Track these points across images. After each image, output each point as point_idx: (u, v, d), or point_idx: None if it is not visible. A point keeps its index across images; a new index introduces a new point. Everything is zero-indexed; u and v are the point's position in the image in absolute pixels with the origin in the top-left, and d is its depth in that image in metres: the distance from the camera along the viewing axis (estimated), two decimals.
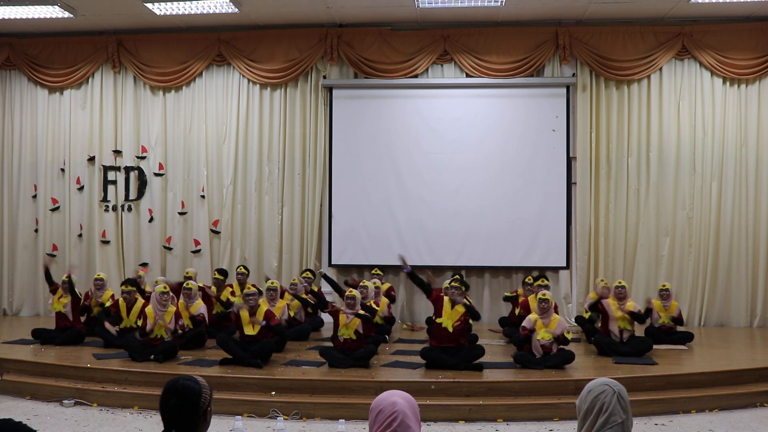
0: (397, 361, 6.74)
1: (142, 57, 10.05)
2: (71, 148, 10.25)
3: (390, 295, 8.75)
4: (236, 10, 8.91)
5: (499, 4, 8.70)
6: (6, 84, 10.48)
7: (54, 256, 10.25)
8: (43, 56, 10.25)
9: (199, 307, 7.50)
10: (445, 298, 6.62)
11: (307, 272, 8.84)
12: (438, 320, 6.54)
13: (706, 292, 9.36)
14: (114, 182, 10.20)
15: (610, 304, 7.31)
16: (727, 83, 9.41)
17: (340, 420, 4.78)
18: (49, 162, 10.31)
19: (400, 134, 9.73)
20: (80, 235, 10.22)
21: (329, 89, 9.85)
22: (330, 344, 6.85)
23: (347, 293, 6.82)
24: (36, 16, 9.26)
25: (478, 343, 7.13)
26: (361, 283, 7.59)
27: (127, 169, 10.19)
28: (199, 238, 10.04)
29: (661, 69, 9.44)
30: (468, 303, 6.65)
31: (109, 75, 10.20)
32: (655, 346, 7.24)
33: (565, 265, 9.54)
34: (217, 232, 10.01)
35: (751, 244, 9.32)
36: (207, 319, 7.61)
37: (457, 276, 8.39)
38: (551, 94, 9.58)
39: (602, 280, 8.58)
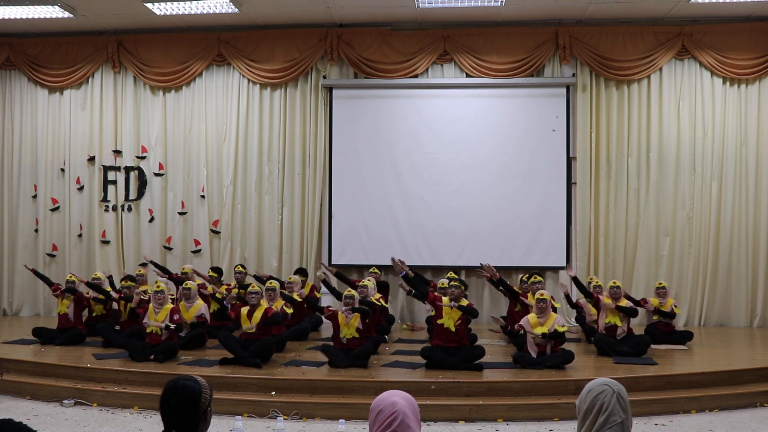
0: (397, 361, 6.74)
1: (142, 57, 10.06)
2: (71, 148, 10.26)
3: (382, 283, 8.78)
4: (236, 10, 8.91)
5: (499, 4, 8.70)
6: (6, 84, 10.49)
7: (54, 256, 10.26)
8: (43, 56, 10.25)
9: (200, 307, 7.51)
10: (444, 298, 6.62)
11: (299, 274, 8.86)
12: (439, 321, 6.53)
13: (706, 292, 9.36)
14: (114, 182, 10.20)
15: (606, 302, 7.30)
16: (727, 83, 9.41)
17: (340, 420, 4.78)
18: (49, 162, 10.31)
19: (400, 134, 9.73)
20: (80, 235, 10.23)
21: (329, 89, 9.85)
22: (330, 343, 6.86)
23: (345, 293, 6.85)
24: (36, 16, 9.26)
25: (477, 343, 7.13)
26: (360, 283, 7.59)
27: (127, 169, 10.20)
28: (199, 238, 10.04)
29: (661, 69, 9.44)
30: (463, 305, 6.60)
31: (109, 75, 10.21)
32: (654, 346, 7.26)
33: (565, 265, 9.52)
34: (217, 232, 10.02)
35: (751, 244, 9.32)
36: (208, 318, 7.61)
37: (454, 275, 8.37)
38: (551, 94, 9.58)
39: (592, 278, 8.60)
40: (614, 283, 7.43)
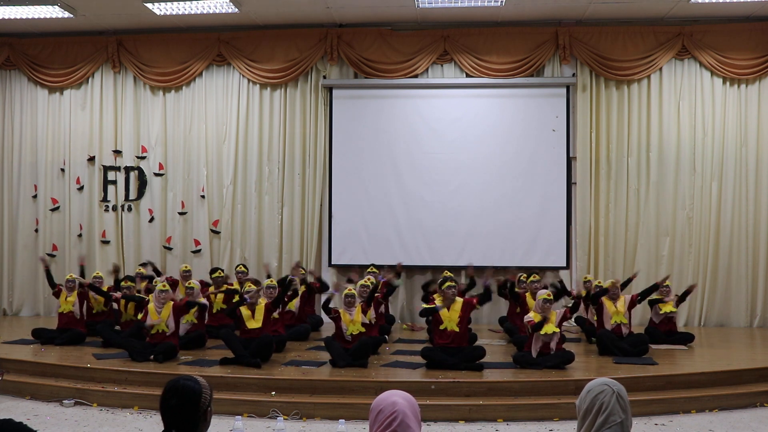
0: (397, 361, 6.74)
1: (142, 57, 10.06)
2: (71, 148, 10.26)
3: (381, 292, 8.77)
4: (236, 10, 8.91)
5: (499, 4, 8.70)
6: (6, 84, 10.49)
7: (54, 256, 10.26)
8: (43, 56, 10.25)
9: (202, 301, 7.55)
10: (440, 302, 6.62)
11: (302, 270, 8.87)
12: (441, 327, 6.52)
13: (706, 292, 9.36)
14: (114, 182, 10.21)
15: (606, 303, 7.31)
16: (727, 83, 9.41)
17: (340, 420, 4.78)
18: (49, 162, 10.31)
19: (400, 134, 9.73)
20: (80, 235, 10.23)
21: (329, 89, 9.85)
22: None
23: (346, 292, 6.86)
24: (36, 16, 9.26)
25: (477, 343, 7.13)
26: (360, 282, 7.59)
27: (127, 169, 10.20)
28: (199, 238, 10.04)
29: (661, 69, 9.44)
30: (478, 304, 6.66)
31: (109, 75, 10.21)
32: (655, 346, 7.26)
33: (565, 264, 9.54)
34: (217, 232, 10.02)
35: (751, 244, 9.32)
36: (209, 303, 7.66)
37: (449, 274, 8.38)
38: (551, 94, 9.58)
39: (586, 277, 8.61)
40: (613, 284, 7.43)
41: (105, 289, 8.25)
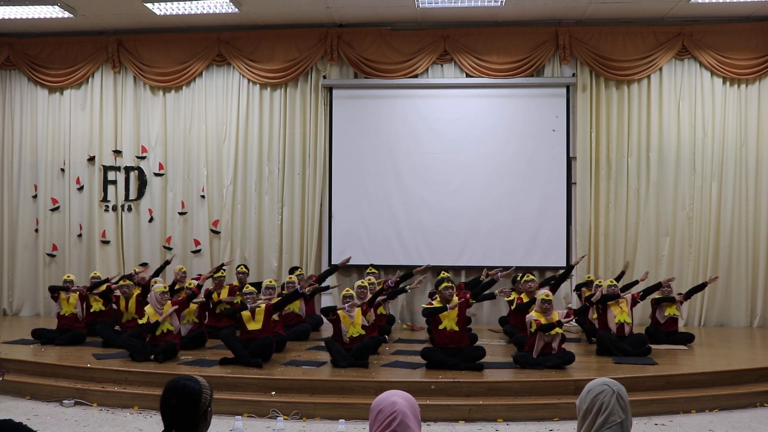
0: (397, 361, 6.74)
1: (142, 57, 10.06)
2: (71, 148, 10.26)
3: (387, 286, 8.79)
4: (236, 10, 8.91)
5: (499, 4, 8.70)
6: (6, 84, 10.49)
7: (54, 256, 10.26)
8: (43, 56, 10.25)
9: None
10: (436, 304, 6.61)
11: (299, 270, 8.87)
12: (440, 327, 6.52)
13: (706, 292, 9.33)
14: (114, 182, 10.21)
15: (609, 303, 7.32)
16: (727, 83, 9.41)
17: (340, 420, 4.78)
18: (49, 162, 10.31)
19: (400, 134, 9.73)
20: (80, 235, 10.23)
21: (329, 89, 9.85)
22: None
23: (344, 293, 6.86)
24: (36, 16, 9.26)
25: (478, 343, 7.12)
26: (358, 284, 7.58)
27: (127, 169, 10.20)
28: (199, 238, 10.04)
29: (661, 69, 9.44)
30: (471, 299, 6.67)
31: (109, 75, 10.21)
32: (655, 347, 7.25)
33: (565, 265, 9.52)
34: (217, 232, 10.02)
35: (751, 244, 9.32)
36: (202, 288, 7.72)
37: (447, 274, 8.37)
38: (551, 94, 9.58)
39: (589, 277, 8.62)
40: (611, 282, 7.45)
41: (103, 288, 8.24)
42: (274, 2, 8.84)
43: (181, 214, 10.09)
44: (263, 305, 6.86)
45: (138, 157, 10.18)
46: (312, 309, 8.91)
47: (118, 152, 10.21)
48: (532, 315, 6.58)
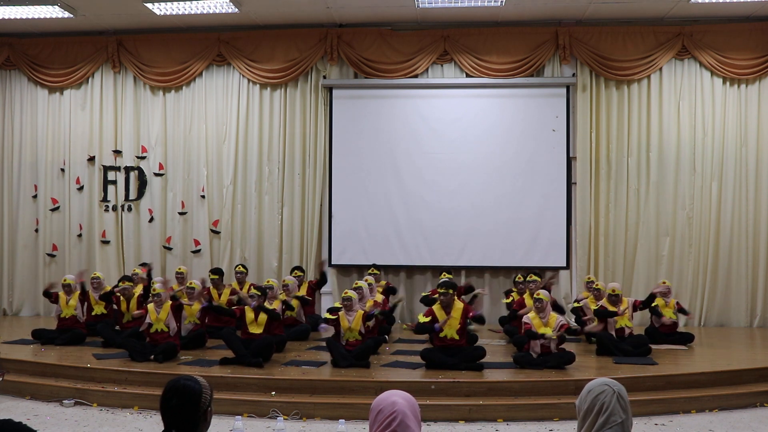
0: (397, 361, 6.74)
1: (142, 57, 10.06)
2: (71, 148, 10.26)
3: (389, 288, 8.77)
4: (236, 10, 8.91)
5: (499, 4, 8.70)
6: (6, 84, 10.49)
7: (54, 256, 10.26)
8: (43, 56, 10.25)
9: (202, 303, 7.56)
10: (437, 308, 6.55)
11: (297, 270, 8.87)
12: (441, 335, 6.49)
13: (706, 292, 9.36)
14: (114, 182, 10.21)
15: (606, 305, 7.30)
16: (727, 83, 9.41)
17: (340, 420, 4.78)
18: (49, 162, 10.31)
19: (400, 134, 9.73)
20: (80, 235, 10.23)
21: (329, 89, 9.85)
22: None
23: (343, 295, 6.84)
24: (36, 16, 9.26)
25: (478, 343, 7.12)
26: (355, 285, 7.58)
27: (127, 169, 10.20)
28: (199, 238, 10.04)
29: (661, 69, 9.44)
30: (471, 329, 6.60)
31: (109, 75, 10.21)
32: (655, 347, 7.25)
33: (565, 265, 9.54)
34: (217, 232, 10.02)
35: (751, 244, 9.32)
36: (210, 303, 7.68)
37: (448, 275, 8.35)
38: (551, 94, 9.58)
39: (590, 277, 8.62)
40: (612, 291, 7.32)
41: (108, 289, 8.25)
42: (274, 2, 8.84)
43: (181, 214, 10.09)
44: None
45: (138, 157, 10.18)
46: (312, 309, 8.92)
47: (118, 152, 10.21)
48: (528, 316, 6.59)
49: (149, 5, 8.79)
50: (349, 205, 9.77)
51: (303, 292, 8.61)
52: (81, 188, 10.26)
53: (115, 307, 8.04)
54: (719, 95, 9.40)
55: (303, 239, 9.87)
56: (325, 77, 9.80)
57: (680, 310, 7.97)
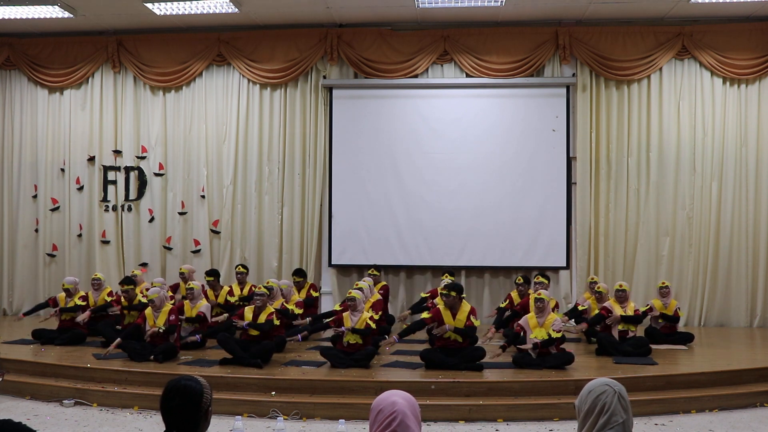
0: (397, 361, 6.74)
1: (142, 57, 10.06)
2: (71, 148, 10.26)
3: (381, 294, 8.73)
4: (236, 10, 8.91)
5: (499, 4, 8.70)
6: (6, 84, 10.49)
7: (54, 256, 10.26)
8: (43, 56, 10.25)
9: (202, 306, 7.55)
10: (443, 309, 6.55)
11: (296, 276, 8.86)
12: (445, 336, 6.50)
13: (706, 292, 9.36)
14: (114, 182, 10.20)
15: (613, 306, 7.32)
16: (727, 83, 9.41)
17: (340, 420, 4.78)
18: (49, 162, 10.31)
19: (400, 134, 9.73)
20: (80, 235, 10.23)
21: (329, 89, 9.85)
22: (329, 344, 6.86)
23: (348, 296, 6.81)
24: (36, 16, 9.26)
25: (478, 344, 7.11)
26: (356, 285, 7.58)
27: (127, 169, 10.20)
28: (199, 238, 10.04)
29: (661, 69, 9.44)
30: (461, 328, 6.47)
31: (109, 75, 10.21)
32: (655, 347, 7.25)
33: (565, 265, 9.54)
34: (217, 232, 10.02)
35: (751, 244, 9.32)
36: (209, 318, 7.63)
37: (450, 277, 8.33)
38: (551, 94, 9.58)
39: (593, 278, 8.62)
40: (620, 285, 7.44)
41: (108, 290, 8.24)
42: (274, 2, 8.84)
43: (181, 214, 10.09)
44: (269, 310, 6.83)
45: (138, 157, 10.18)
46: (315, 310, 8.91)
47: (118, 152, 10.21)
48: (525, 318, 6.59)
49: (149, 5, 8.79)
50: (349, 205, 9.76)
51: (302, 295, 8.59)
52: (81, 188, 10.26)
53: (117, 311, 8.03)
54: (719, 95, 9.40)
55: (303, 239, 9.86)
56: (325, 77, 9.80)
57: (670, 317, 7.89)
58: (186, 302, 7.60)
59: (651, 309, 7.85)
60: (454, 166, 9.62)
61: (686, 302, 9.32)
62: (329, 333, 7.12)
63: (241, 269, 8.85)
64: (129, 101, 10.20)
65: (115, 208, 10.20)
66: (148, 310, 6.97)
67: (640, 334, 7.49)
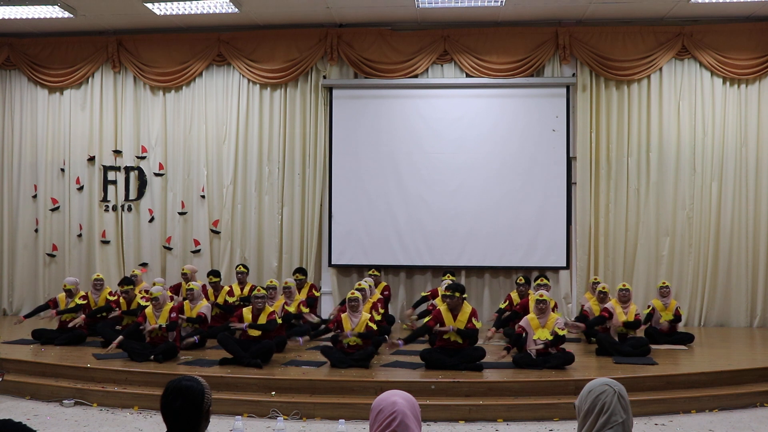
0: (397, 361, 6.74)
1: (142, 57, 10.06)
2: (71, 148, 10.26)
3: (384, 295, 8.74)
4: (236, 10, 8.91)
5: (499, 4, 8.70)
6: (6, 84, 10.49)
7: (54, 256, 10.26)
8: (43, 56, 10.25)
9: (203, 306, 7.55)
10: (444, 311, 6.55)
11: (298, 274, 8.87)
12: (445, 336, 6.50)
13: (706, 292, 9.36)
14: (114, 182, 10.21)
15: (615, 307, 7.32)
16: (727, 83, 9.41)
17: (340, 420, 4.77)
18: (49, 162, 10.31)
19: (400, 134, 9.73)
20: (80, 235, 10.23)
21: (329, 89, 9.85)
22: (329, 344, 6.85)
23: (349, 296, 6.79)
24: (36, 16, 9.26)
25: (478, 344, 7.10)
26: (358, 285, 7.58)
27: (127, 169, 10.20)
28: (199, 238, 10.04)
29: (661, 69, 9.44)
30: (462, 330, 6.48)
31: (109, 75, 10.21)
32: (655, 347, 7.26)
33: (565, 265, 9.54)
34: (217, 232, 10.02)
35: (751, 244, 9.32)
36: (208, 318, 7.63)
37: (452, 278, 8.33)
38: (551, 94, 9.58)
39: (596, 278, 8.64)
40: (623, 285, 7.48)
41: (108, 290, 8.25)
42: (274, 2, 8.84)
43: (181, 214, 10.09)
44: (269, 310, 6.83)
45: (138, 157, 10.18)
46: (314, 311, 8.91)
47: (118, 152, 10.21)
48: (525, 319, 6.59)
49: (149, 5, 8.79)
50: (349, 205, 9.76)
51: (303, 295, 8.60)
52: (81, 188, 10.26)
53: (116, 312, 8.02)
54: (719, 95, 9.40)
55: (303, 239, 9.87)
56: (325, 77, 9.80)
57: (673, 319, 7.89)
58: (186, 303, 7.60)
59: (653, 311, 7.83)
60: (454, 166, 9.62)
61: (686, 302, 9.32)
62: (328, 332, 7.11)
63: (242, 269, 8.85)
64: (129, 101, 10.20)
65: (115, 208, 10.20)
66: (149, 309, 6.97)
67: (639, 335, 7.48)
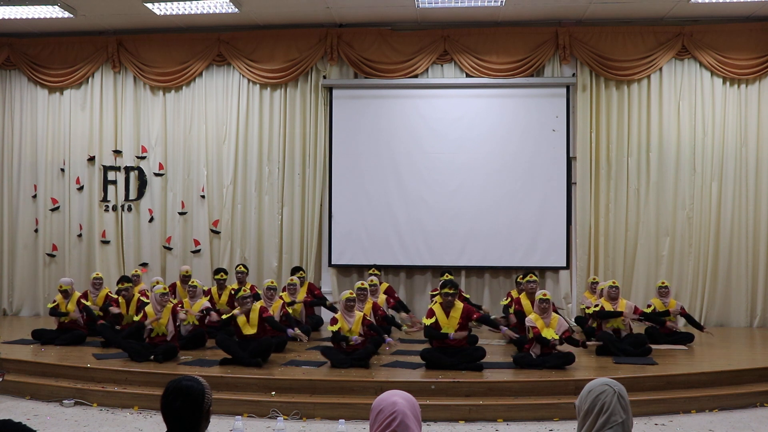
0: (397, 361, 6.74)
1: (142, 57, 10.06)
2: (71, 148, 10.26)
3: (390, 294, 8.74)
4: (236, 10, 8.91)
5: (499, 4, 8.70)
6: (6, 84, 10.49)
7: (54, 256, 10.26)
8: (43, 56, 10.25)
9: (203, 303, 7.56)
10: (437, 309, 6.54)
11: (301, 272, 8.87)
12: (442, 332, 6.50)
13: (706, 292, 9.36)
14: (114, 182, 10.21)
15: (604, 305, 7.31)
16: (727, 83, 9.41)
17: (340, 420, 4.77)
18: (49, 162, 10.31)
19: (400, 134, 9.73)
20: (80, 235, 10.23)
21: (329, 89, 9.85)
22: (329, 344, 6.86)
23: (347, 296, 6.78)
24: (36, 16, 9.26)
25: (478, 344, 7.11)
26: (359, 286, 7.57)
27: (127, 169, 10.20)
28: (199, 238, 10.04)
29: (661, 69, 9.44)
30: (475, 320, 6.52)
31: (109, 75, 10.21)
32: (655, 347, 7.25)
33: (565, 265, 9.54)
34: (217, 232, 10.02)
35: (751, 244, 9.32)
36: (213, 310, 7.64)
37: (449, 276, 8.32)
38: (551, 94, 9.58)
39: (595, 278, 8.64)
40: (613, 282, 7.47)
41: (107, 290, 8.26)
42: (274, 2, 8.84)
43: (181, 214, 10.09)
44: (258, 306, 6.84)
45: (138, 157, 10.18)
46: (312, 310, 8.92)
47: (118, 152, 10.21)
48: (530, 318, 6.58)
49: (149, 5, 8.79)
50: (349, 205, 9.76)
51: (303, 294, 8.60)
52: (81, 188, 10.26)
53: (116, 311, 8.02)
54: (719, 95, 9.40)
55: (303, 239, 9.87)
56: (325, 77, 9.80)
57: (691, 321, 7.88)
58: (186, 300, 7.61)
59: (654, 311, 7.80)
60: (454, 166, 9.62)
61: (686, 302, 9.31)
62: (329, 333, 7.10)
63: (242, 269, 8.85)
64: (129, 101, 10.20)
65: (115, 208, 10.20)
66: (149, 308, 6.97)
67: (638, 332, 7.48)
